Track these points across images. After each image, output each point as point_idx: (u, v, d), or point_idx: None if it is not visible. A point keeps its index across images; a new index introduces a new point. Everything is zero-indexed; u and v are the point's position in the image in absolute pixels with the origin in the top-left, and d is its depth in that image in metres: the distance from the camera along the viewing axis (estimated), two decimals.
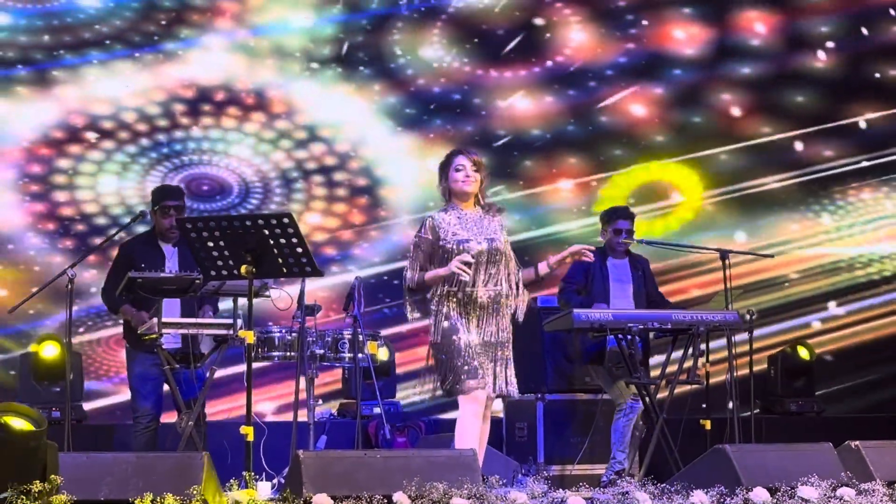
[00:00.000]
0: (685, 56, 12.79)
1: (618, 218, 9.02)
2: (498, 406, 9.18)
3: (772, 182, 12.77)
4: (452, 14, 12.31)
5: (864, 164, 12.96)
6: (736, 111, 12.84)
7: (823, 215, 12.93)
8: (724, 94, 12.85)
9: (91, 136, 11.26)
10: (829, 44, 13.04)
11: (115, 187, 11.28)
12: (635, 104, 12.65)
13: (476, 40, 12.31)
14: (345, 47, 12.01)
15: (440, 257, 6.94)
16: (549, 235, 12.17)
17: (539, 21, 12.49)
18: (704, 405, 8.71)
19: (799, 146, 12.90)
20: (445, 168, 7.07)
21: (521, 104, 12.38)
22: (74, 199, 11.20)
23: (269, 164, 11.67)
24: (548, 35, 12.50)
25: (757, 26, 12.98)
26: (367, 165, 11.94)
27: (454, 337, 6.87)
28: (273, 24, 11.91)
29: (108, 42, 11.45)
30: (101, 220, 11.21)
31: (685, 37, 12.81)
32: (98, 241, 10.27)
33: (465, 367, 6.84)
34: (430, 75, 12.19)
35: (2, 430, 5.66)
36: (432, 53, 12.24)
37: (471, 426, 6.88)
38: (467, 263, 6.84)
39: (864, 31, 13.09)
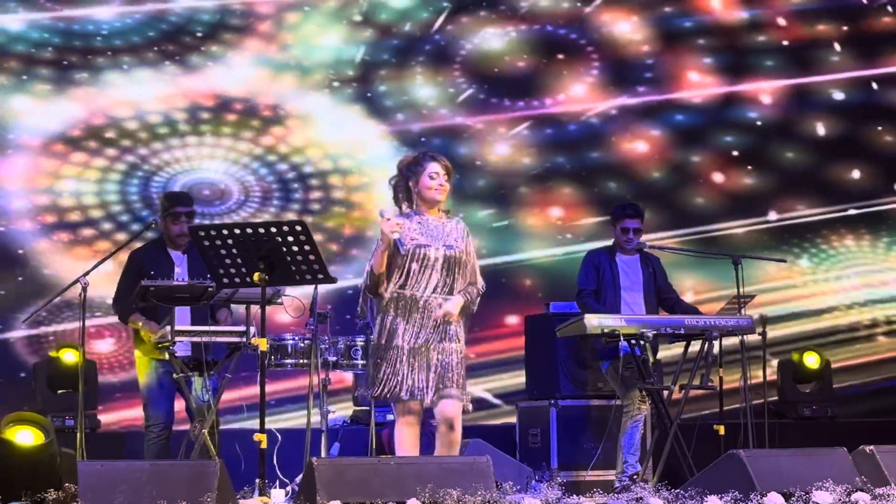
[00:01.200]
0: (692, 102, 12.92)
1: (625, 216, 9.01)
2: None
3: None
4: (470, 51, 12.42)
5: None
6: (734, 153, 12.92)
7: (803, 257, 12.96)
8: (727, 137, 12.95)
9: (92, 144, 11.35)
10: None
11: (113, 189, 11.32)
12: (637, 143, 12.69)
13: (490, 76, 12.45)
14: (365, 70, 12.11)
15: (398, 263, 6.80)
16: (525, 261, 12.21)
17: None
18: (718, 410, 8.69)
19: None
20: (416, 172, 6.87)
21: (521, 137, 12.43)
22: (78, 202, 11.25)
23: (273, 174, 11.72)
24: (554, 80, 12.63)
25: (763, 97, 13.05)
26: (367, 182, 11.95)
27: (394, 341, 6.76)
28: (299, 43, 12.04)
29: (138, 50, 11.59)
30: (95, 215, 11.26)
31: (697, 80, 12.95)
32: (86, 234, 10.46)
33: (394, 375, 6.75)
34: (448, 105, 12.28)
35: (5, 446, 5.65)
36: (453, 84, 12.35)
37: (404, 436, 6.81)
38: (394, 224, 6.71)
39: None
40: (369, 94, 12.09)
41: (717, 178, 12.81)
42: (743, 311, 8.79)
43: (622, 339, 8.26)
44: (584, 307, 8.78)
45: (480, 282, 6.96)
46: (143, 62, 11.58)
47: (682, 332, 8.41)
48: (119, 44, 11.56)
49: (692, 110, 12.85)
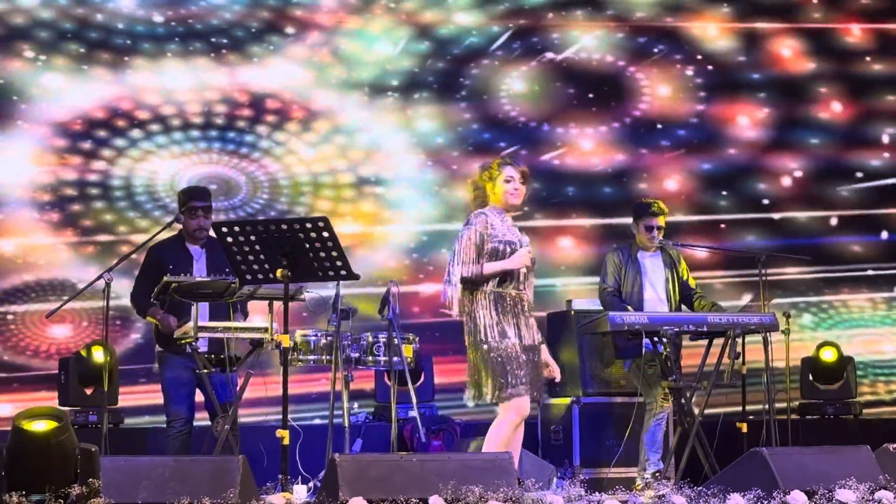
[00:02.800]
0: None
1: (648, 215, 8.99)
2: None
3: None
4: (533, 67, 12.40)
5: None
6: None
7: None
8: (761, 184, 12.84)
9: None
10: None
11: (126, 172, 11.32)
12: (674, 174, 12.63)
13: (554, 87, 12.38)
14: (415, 80, 12.10)
15: (486, 256, 6.93)
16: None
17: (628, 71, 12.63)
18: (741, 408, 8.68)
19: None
20: (493, 177, 7.05)
21: (564, 160, 12.38)
22: (84, 180, 11.26)
23: (285, 172, 11.71)
24: (613, 103, 12.58)
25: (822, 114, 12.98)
26: (382, 193, 11.95)
27: (506, 341, 6.86)
28: (354, 47, 12.03)
29: (188, 37, 11.61)
30: (101, 203, 11.28)
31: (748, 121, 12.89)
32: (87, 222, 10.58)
33: (516, 373, 6.83)
34: (487, 119, 12.27)
35: (21, 435, 5.67)
36: (498, 99, 12.32)
37: (506, 435, 6.87)
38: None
39: None
40: (408, 109, 12.08)
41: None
42: (766, 308, 8.77)
43: (644, 336, 8.25)
44: (608, 305, 8.77)
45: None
46: (188, 52, 11.56)
47: (705, 329, 8.40)
48: (165, 32, 11.57)
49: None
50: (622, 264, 8.92)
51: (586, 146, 12.42)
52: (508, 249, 6.93)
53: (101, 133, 11.30)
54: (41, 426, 5.70)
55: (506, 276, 6.94)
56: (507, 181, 7.02)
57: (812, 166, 12.79)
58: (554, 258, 12.10)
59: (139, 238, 10.69)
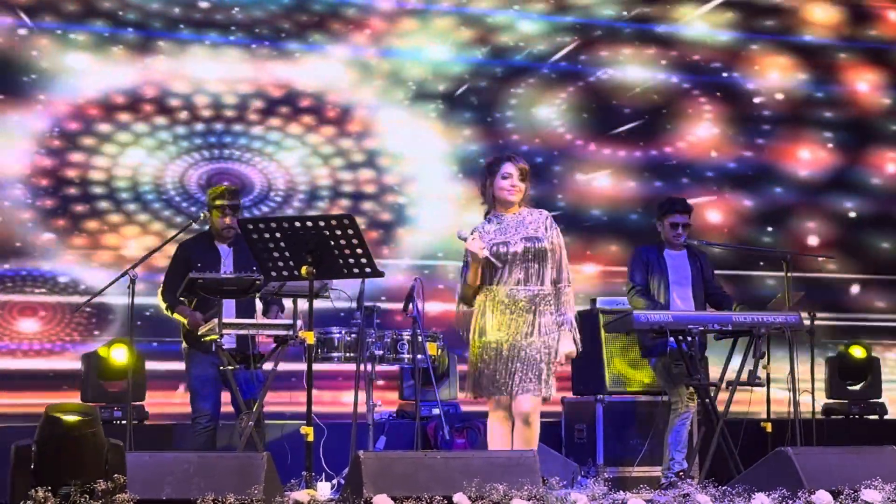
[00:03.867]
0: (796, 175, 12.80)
1: (674, 211, 8.97)
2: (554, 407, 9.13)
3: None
4: (591, 83, 12.35)
5: None
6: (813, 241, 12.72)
7: None
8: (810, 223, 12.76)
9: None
10: None
11: (138, 161, 11.13)
12: (714, 211, 12.54)
13: (596, 112, 12.33)
14: (462, 88, 12.00)
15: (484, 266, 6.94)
16: None
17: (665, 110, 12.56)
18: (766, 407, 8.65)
19: (855, 289, 12.79)
20: (492, 172, 7.03)
21: (600, 182, 12.30)
22: (91, 163, 11.04)
23: (307, 175, 11.56)
24: (668, 126, 12.50)
25: (888, 166, 12.95)
26: (404, 203, 11.78)
27: (483, 338, 6.88)
28: (404, 50, 11.94)
29: (231, 27, 11.48)
30: (99, 190, 11.06)
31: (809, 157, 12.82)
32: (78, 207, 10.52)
33: (485, 372, 6.86)
34: (527, 134, 12.17)
35: (54, 424, 5.69)
36: (544, 114, 12.23)
37: (495, 430, 6.93)
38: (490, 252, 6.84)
39: None
40: (452, 113, 11.98)
41: None
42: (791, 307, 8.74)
43: (669, 335, 8.24)
44: (636, 303, 8.75)
45: (566, 276, 7.03)
46: (227, 42, 11.42)
47: (730, 328, 8.38)
48: (204, 18, 11.42)
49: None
50: (649, 262, 8.91)
51: (625, 171, 12.34)
52: (501, 250, 6.90)
53: (119, 119, 11.09)
54: (74, 417, 5.73)
55: (486, 275, 6.92)
56: (504, 178, 6.98)
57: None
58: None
59: (129, 231, 10.81)
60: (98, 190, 11.02)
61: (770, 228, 12.53)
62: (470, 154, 11.92)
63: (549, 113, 12.22)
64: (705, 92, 12.63)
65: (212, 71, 11.39)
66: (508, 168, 6.99)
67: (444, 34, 12.05)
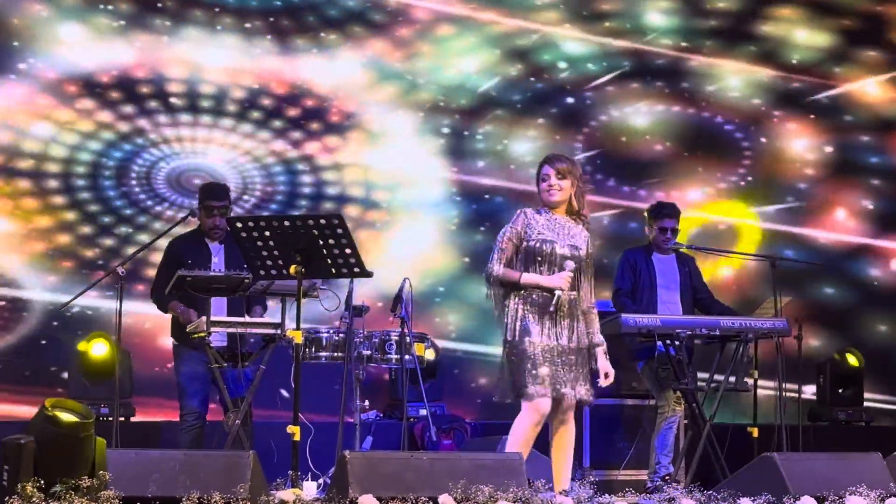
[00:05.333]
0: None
1: (663, 216, 9.00)
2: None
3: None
4: (613, 117, 12.13)
5: None
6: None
7: None
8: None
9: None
10: None
11: (103, 148, 10.80)
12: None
13: (612, 155, 12.15)
14: (491, 99, 11.78)
15: (523, 253, 6.96)
16: None
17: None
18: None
19: None
20: (537, 177, 7.11)
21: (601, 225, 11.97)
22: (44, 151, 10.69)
23: (286, 175, 11.25)
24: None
25: None
26: (385, 221, 11.46)
27: (526, 339, 6.86)
28: (429, 66, 11.75)
29: (247, 16, 11.23)
30: (53, 167, 10.69)
31: None
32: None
33: (533, 372, 6.83)
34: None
35: (51, 422, 5.69)
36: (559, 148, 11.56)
37: (526, 432, 6.86)
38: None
39: None
40: (465, 132, 11.71)
41: None
42: (779, 313, 8.76)
43: (657, 339, 8.24)
44: (622, 307, 8.76)
45: (593, 297, 7.12)
46: (242, 29, 11.17)
47: (718, 333, 8.39)
48: (220, 1, 11.18)
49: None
50: (637, 265, 8.92)
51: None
52: (546, 248, 6.93)
53: (101, 100, 10.79)
54: (73, 417, 5.73)
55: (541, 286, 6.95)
56: (543, 180, 7.04)
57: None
58: None
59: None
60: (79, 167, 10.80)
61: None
62: (470, 182, 11.69)
63: (567, 145, 11.96)
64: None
65: (216, 58, 11.14)
66: (546, 170, 7.04)
67: (480, 43, 11.83)
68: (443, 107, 11.69)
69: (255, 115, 11.23)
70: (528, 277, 6.91)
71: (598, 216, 11.61)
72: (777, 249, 11.67)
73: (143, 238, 10.36)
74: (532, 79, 11.97)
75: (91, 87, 10.78)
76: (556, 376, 6.84)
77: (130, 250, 9.75)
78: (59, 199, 10.70)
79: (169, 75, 11.01)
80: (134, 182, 10.88)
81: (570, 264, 6.90)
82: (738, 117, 12.48)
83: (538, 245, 6.93)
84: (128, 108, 10.90)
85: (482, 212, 11.63)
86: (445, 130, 11.67)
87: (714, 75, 12.47)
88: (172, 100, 11.01)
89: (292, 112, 11.35)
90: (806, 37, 12.71)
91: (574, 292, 6.96)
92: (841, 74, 12.72)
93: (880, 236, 12.65)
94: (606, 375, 7.05)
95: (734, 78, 12.51)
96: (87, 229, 10.70)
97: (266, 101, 11.27)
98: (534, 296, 6.90)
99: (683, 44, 12.40)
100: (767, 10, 12.62)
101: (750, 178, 12.47)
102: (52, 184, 10.68)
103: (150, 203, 10.89)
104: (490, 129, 11.80)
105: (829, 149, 12.67)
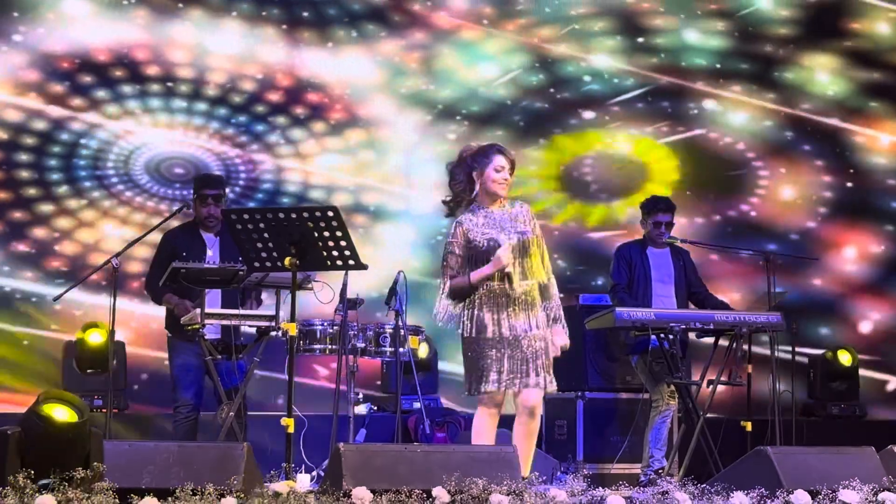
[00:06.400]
0: None
1: (658, 210, 9.01)
2: None
3: None
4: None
5: None
6: None
7: None
8: None
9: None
10: None
11: (85, 128, 10.62)
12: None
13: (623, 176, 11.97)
14: (503, 109, 11.62)
15: (474, 259, 6.90)
16: None
17: None
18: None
19: None
20: (481, 164, 6.92)
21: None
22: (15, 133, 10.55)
23: (271, 166, 11.09)
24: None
25: None
26: (367, 227, 11.26)
27: (481, 336, 6.86)
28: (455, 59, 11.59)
29: (265, 6, 11.08)
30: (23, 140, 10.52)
31: None
32: None
33: (485, 370, 6.83)
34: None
35: (43, 421, 5.68)
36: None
37: (483, 426, 6.91)
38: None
39: None
40: (472, 141, 11.40)
41: None
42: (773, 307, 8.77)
43: (651, 332, 8.25)
44: (619, 302, 8.76)
45: (549, 268, 7.03)
46: (257, 16, 11.01)
47: (712, 327, 8.39)
48: None
49: None
50: (631, 260, 8.93)
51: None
52: (488, 245, 6.85)
53: (88, 79, 10.63)
54: (63, 415, 5.72)
55: (491, 276, 6.89)
56: (497, 171, 6.90)
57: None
58: None
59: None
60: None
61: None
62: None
63: (577, 164, 11.88)
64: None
65: (223, 44, 11.00)
66: (501, 161, 6.90)
67: (505, 51, 11.67)
68: (453, 112, 11.55)
69: (260, 109, 11.11)
70: (475, 274, 6.85)
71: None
72: None
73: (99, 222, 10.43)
74: (552, 90, 11.85)
75: (88, 67, 10.65)
76: (514, 369, 6.83)
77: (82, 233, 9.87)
78: (25, 174, 10.61)
79: (171, 59, 10.88)
80: (111, 168, 10.78)
81: (504, 240, 6.81)
82: None
83: (485, 244, 6.86)
84: (118, 90, 10.77)
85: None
86: (451, 136, 11.50)
87: None
88: (157, 85, 10.87)
89: (299, 108, 11.23)
90: None
91: (527, 282, 6.90)
92: None
93: None
94: (563, 348, 7.00)
95: None
96: (46, 207, 10.57)
97: (272, 94, 11.13)
98: (491, 287, 6.86)
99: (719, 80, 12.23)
100: None
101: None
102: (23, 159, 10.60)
103: (121, 188, 10.74)
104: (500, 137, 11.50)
105: None
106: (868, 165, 12.42)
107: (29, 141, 10.56)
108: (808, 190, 12.27)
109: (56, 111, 10.59)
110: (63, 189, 10.63)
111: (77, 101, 10.67)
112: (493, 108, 11.68)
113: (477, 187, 6.95)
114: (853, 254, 12.29)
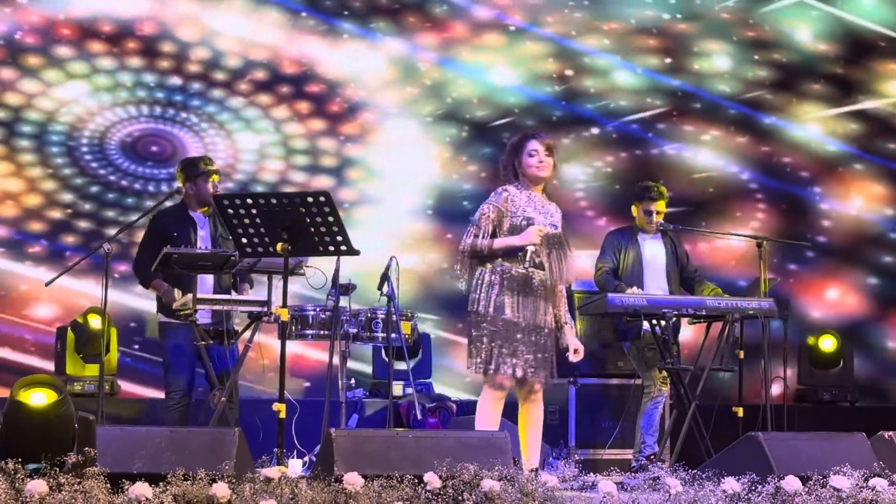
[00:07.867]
0: None
1: (647, 199, 9.00)
2: None
3: None
4: (651, 154, 11.79)
5: None
6: None
7: None
8: None
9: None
10: None
11: (80, 94, 10.67)
12: None
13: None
14: (502, 117, 11.54)
15: (505, 231, 6.96)
16: None
17: None
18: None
19: None
20: (518, 151, 7.07)
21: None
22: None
23: (255, 154, 11.05)
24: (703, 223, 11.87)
25: None
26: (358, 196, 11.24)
27: (501, 317, 6.89)
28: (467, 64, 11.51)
29: None
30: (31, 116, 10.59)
31: None
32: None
33: (503, 350, 6.85)
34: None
35: (19, 407, 5.68)
36: (571, 174, 11.60)
37: (489, 409, 6.96)
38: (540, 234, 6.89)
39: None
40: (463, 153, 11.44)
41: None
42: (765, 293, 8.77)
43: (643, 318, 8.26)
44: (603, 284, 8.76)
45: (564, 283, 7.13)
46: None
47: (704, 313, 8.40)
48: None
49: None
50: (621, 245, 8.92)
51: None
52: (523, 222, 6.95)
53: (68, 48, 10.61)
54: (40, 399, 5.71)
55: (514, 253, 6.94)
56: (531, 155, 7.03)
57: None
58: None
59: None
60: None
61: None
62: (451, 189, 11.49)
63: (577, 173, 11.85)
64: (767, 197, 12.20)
65: (236, 28, 10.92)
66: (534, 145, 7.03)
67: (521, 59, 11.61)
68: (460, 113, 11.49)
69: (264, 97, 11.08)
70: (500, 241, 6.92)
71: None
72: None
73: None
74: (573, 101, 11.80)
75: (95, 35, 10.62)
76: (535, 360, 6.90)
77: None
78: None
79: (182, 36, 10.85)
80: (85, 145, 10.76)
81: (557, 216, 7.00)
82: None
83: (522, 223, 6.94)
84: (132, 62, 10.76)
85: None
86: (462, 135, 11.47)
87: None
88: (164, 62, 10.85)
89: (308, 92, 11.18)
90: None
91: (550, 274, 6.97)
92: None
93: None
94: (576, 351, 7.11)
95: None
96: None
97: (275, 80, 11.08)
98: (513, 271, 6.91)
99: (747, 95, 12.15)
100: None
101: None
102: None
103: (94, 165, 10.73)
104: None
105: None
106: None
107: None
108: None
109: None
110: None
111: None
112: (491, 116, 11.55)
113: (520, 174, 7.07)
114: None
